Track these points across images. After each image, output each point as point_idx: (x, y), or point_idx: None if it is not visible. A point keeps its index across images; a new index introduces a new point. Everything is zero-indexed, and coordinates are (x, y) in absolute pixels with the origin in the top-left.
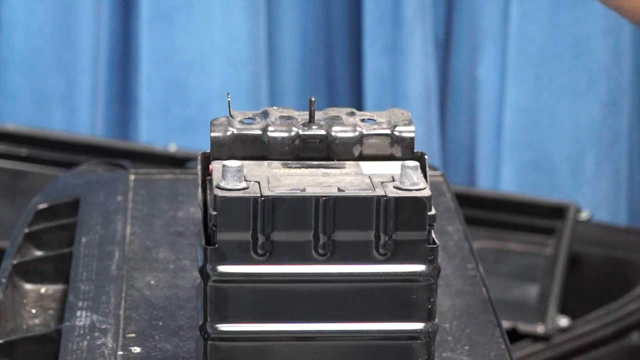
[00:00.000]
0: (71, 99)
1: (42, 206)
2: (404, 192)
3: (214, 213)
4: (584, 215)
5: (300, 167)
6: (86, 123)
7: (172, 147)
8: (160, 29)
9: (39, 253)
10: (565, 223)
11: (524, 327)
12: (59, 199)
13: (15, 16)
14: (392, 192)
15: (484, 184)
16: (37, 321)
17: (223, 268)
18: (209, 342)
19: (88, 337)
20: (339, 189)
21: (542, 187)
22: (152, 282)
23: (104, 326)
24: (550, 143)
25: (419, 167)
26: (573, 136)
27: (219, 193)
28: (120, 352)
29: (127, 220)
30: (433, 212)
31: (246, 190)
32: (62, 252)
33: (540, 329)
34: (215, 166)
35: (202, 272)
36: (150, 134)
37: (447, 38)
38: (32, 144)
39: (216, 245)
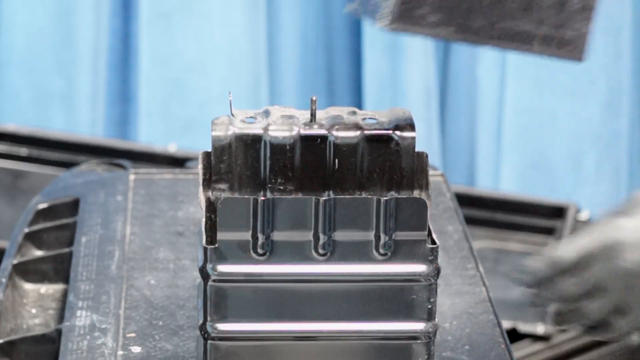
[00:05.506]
0: (71, 99)
1: (42, 206)
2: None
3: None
4: (584, 215)
5: None
6: (86, 123)
7: (172, 147)
8: (160, 29)
9: (39, 253)
10: (565, 223)
11: (524, 327)
12: (59, 198)
13: (15, 16)
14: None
15: (484, 184)
16: (37, 321)
17: (223, 267)
18: (209, 341)
19: (88, 336)
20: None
21: (542, 187)
22: (152, 281)
23: (104, 326)
24: (550, 143)
25: None
26: (573, 136)
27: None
28: (120, 352)
29: (127, 220)
30: None
31: None
32: (62, 252)
33: (540, 329)
34: None
35: (202, 271)
36: (150, 134)
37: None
38: (32, 144)
39: (216, 245)
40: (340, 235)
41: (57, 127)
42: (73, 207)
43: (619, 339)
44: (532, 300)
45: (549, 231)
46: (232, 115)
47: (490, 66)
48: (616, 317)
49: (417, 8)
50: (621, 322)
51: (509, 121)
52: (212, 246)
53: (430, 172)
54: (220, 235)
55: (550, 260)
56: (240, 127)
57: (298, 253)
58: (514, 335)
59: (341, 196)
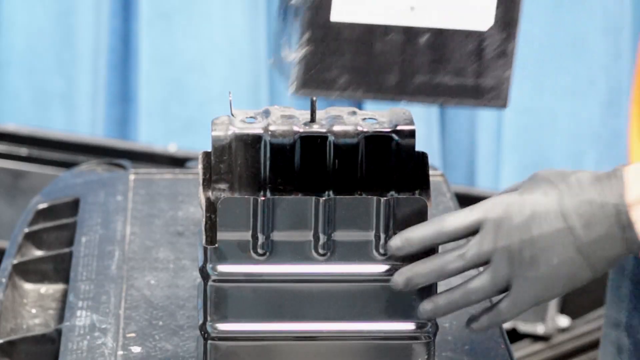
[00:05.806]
0: (71, 99)
1: (42, 206)
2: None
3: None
4: None
5: None
6: (86, 123)
7: (172, 147)
8: (160, 29)
9: (39, 253)
10: None
11: (524, 327)
12: (59, 198)
13: (15, 16)
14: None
15: (484, 184)
16: (37, 321)
17: (223, 267)
18: (209, 341)
19: (88, 336)
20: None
21: None
22: (152, 281)
23: (104, 326)
24: (550, 143)
25: None
26: (573, 136)
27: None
28: (120, 352)
29: (127, 220)
30: None
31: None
32: (62, 252)
33: (540, 329)
34: None
35: (202, 271)
36: (150, 134)
37: None
38: (32, 144)
39: (216, 245)
40: (340, 235)
41: (57, 127)
42: (73, 207)
43: (499, 323)
44: (404, 280)
45: None
46: (232, 115)
47: None
48: (499, 298)
49: (325, 72)
50: (502, 304)
51: (509, 121)
52: (212, 246)
53: (430, 172)
54: (220, 235)
55: (432, 227)
56: (240, 127)
57: (298, 253)
58: (514, 335)
59: (341, 196)
